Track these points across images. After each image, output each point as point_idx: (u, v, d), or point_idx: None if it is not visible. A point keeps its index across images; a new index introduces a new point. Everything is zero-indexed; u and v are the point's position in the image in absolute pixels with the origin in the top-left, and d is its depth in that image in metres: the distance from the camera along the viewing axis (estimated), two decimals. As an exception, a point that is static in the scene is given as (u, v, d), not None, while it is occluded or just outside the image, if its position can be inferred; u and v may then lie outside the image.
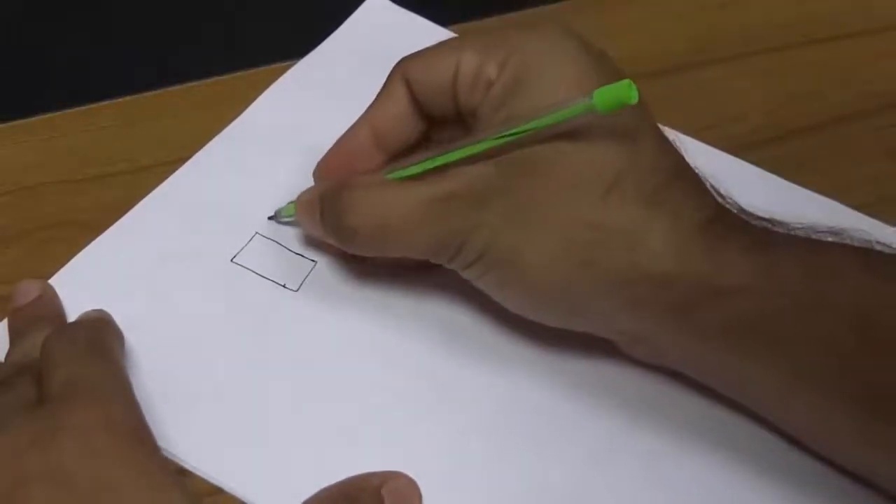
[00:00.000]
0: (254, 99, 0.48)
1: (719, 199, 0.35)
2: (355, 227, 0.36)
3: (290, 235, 0.42)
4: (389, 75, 0.38)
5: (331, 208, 0.37)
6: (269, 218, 0.43)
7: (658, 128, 0.36)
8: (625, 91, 0.31)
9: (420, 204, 0.35)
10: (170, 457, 0.36)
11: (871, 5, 0.54)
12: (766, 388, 0.35)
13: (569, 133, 0.33)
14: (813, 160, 0.46)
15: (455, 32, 0.51)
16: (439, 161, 0.35)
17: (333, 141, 0.40)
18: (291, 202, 0.41)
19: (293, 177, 0.44)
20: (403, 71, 0.37)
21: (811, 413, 0.34)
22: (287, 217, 0.42)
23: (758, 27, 0.53)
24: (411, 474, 0.34)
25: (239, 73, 0.49)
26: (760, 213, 0.36)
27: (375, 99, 0.38)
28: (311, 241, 0.42)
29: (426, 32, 0.51)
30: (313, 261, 0.42)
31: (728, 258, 0.33)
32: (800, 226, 0.35)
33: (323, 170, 0.40)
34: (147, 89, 0.48)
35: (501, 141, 0.34)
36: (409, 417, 0.37)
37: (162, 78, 0.49)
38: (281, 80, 0.49)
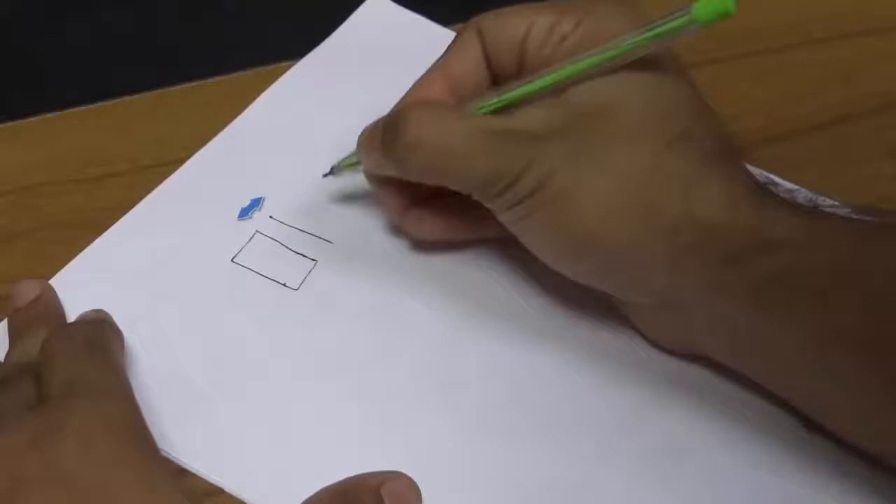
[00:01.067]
0: (254, 99, 0.48)
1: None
2: (417, 140, 0.36)
3: (291, 235, 0.42)
4: (463, 29, 0.38)
5: (395, 123, 0.37)
6: (325, 175, 0.42)
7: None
8: (721, 1, 0.32)
9: (482, 132, 0.35)
10: (170, 457, 0.36)
11: (871, 5, 0.54)
12: (797, 350, 0.34)
13: (640, 80, 0.34)
14: (813, 160, 0.46)
15: (455, 32, 0.51)
16: (511, 95, 0.36)
17: (333, 140, 0.40)
18: (347, 157, 0.41)
19: (293, 176, 0.44)
20: (478, 24, 0.38)
21: (842, 378, 0.33)
22: (346, 165, 0.41)
23: (758, 27, 0.53)
24: (412, 474, 0.34)
25: (239, 73, 0.49)
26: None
27: (447, 50, 0.39)
28: (312, 241, 0.42)
29: (426, 32, 0.51)
30: (314, 260, 0.42)
31: (776, 214, 0.33)
32: (843, 206, 0.36)
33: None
34: (147, 89, 0.48)
35: (579, 69, 0.34)
36: (409, 416, 0.37)
37: (162, 78, 0.49)
38: (281, 80, 0.49)
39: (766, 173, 0.36)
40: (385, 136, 0.37)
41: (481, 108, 0.37)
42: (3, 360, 0.37)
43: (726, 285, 0.34)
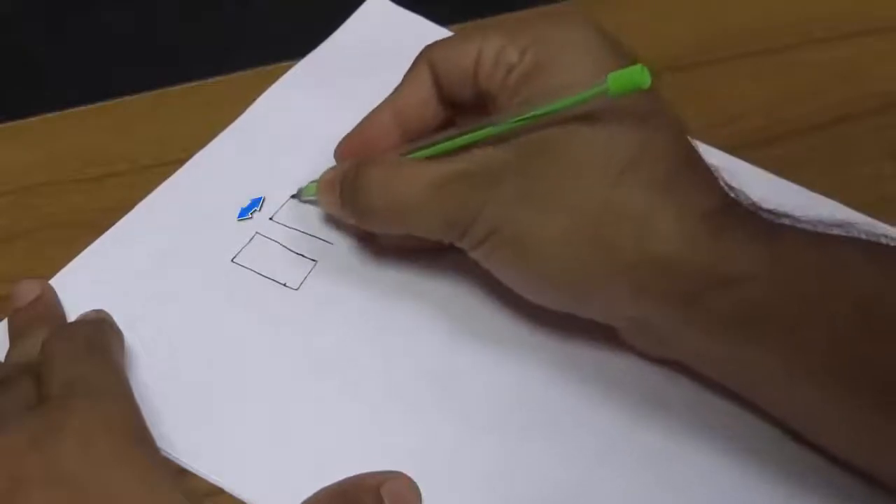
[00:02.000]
0: (254, 99, 0.48)
1: (729, 191, 0.35)
2: (371, 203, 0.37)
3: (291, 235, 0.42)
4: (415, 60, 0.39)
5: (349, 186, 0.38)
6: (292, 196, 0.43)
7: (673, 117, 0.36)
8: (637, 75, 0.32)
9: (433, 181, 0.36)
10: (170, 457, 0.36)
11: (871, 5, 0.54)
12: (768, 379, 0.34)
13: (584, 116, 0.34)
14: (813, 160, 0.46)
15: (455, 32, 0.51)
16: (457, 142, 0.36)
17: (333, 140, 0.40)
18: (314, 181, 0.42)
19: (293, 176, 0.44)
20: (428, 55, 0.38)
21: (813, 404, 0.34)
22: (309, 196, 0.42)
23: (758, 27, 0.53)
24: (411, 474, 0.34)
25: (239, 73, 0.49)
26: (768, 206, 0.36)
27: (400, 83, 0.39)
28: (312, 241, 0.42)
29: (426, 32, 0.51)
30: (313, 260, 0.42)
31: (735, 246, 0.33)
32: (807, 219, 0.35)
33: (344, 151, 0.40)
34: (147, 89, 0.48)
35: (518, 123, 0.34)
36: (409, 417, 0.37)
37: (162, 78, 0.49)
38: (281, 80, 0.49)
39: (726, 180, 0.36)
40: (342, 195, 0.38)
41: (427, 151, 0.37)
42: (3, 360, 0.37)
43: (690, 321, 0.34)
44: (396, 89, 0.39)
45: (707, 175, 0.35)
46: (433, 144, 0.37)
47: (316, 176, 0.41)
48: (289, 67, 0.49)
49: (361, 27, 0.51)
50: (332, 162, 0.42)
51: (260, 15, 0.55)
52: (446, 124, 0.39)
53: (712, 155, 0.45)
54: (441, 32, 0.51)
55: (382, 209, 0.37)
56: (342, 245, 0.42)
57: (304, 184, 0.43)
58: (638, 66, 0.32)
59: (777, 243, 0.33)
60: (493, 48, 0.36)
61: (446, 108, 0.39)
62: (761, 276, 0.33)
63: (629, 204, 0.34)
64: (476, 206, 0.35)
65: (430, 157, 0.37)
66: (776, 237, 0.34)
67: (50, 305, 0.39)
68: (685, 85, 0.50)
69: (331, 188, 0.40)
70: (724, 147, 0.46)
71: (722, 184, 0.35)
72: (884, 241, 0.34)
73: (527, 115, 0.34)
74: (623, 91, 0.32)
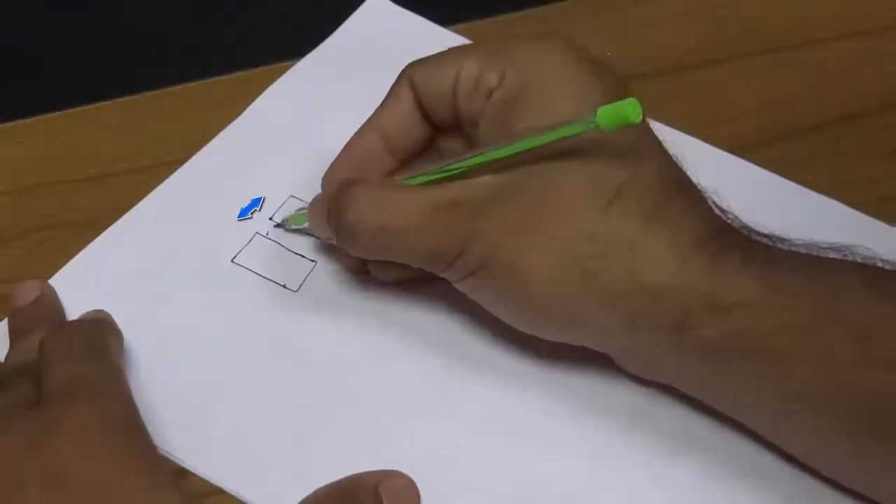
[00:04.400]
0: (254, 99, 0.48)
1: (721, 215, 0.35)
2: (355, 224, 0.36)
3: (291, 236, 0.42)
4: (396, 79, 0.38)
5: (334, 206, 0.37)
6: (276, 226, 0.43)
7: (661, 143, 0.35)
8: (629, 110, 0.31)
9: (421, 208, 0.35)
10: (170, 457, 0.36)
11: (871, 5, 0.54)
12: (762, 406, 0.34)
13: (572, 147, 0.33)
14: (813, 160, 0.46)
15: (455, 32, 0.51)
16: (444, 172, 0.35)
17: (333, 140, 0.40)
18: (300, 210, 0.42)
19: (293, 176, 0.44)
20: (409, 75, 0.37)
21: (806, 431, 0.34)
22: (295, 225, 0.42)
23: (758, 27, 0.53)
24: (411, 474, 0.34)
25: (239, 73, 0.49)
26: (762, 229, 0.35)
27: (382, 102, 0.38)
28: (312, 241, 0.42)
29: (426, 32, 0.51)
30: (313, 261, 0.42)
31: (728, 274, 0.33)
32: (801, 242, 0.35)
33: (332, 176, 0.39)
34: (147, 89, 0.48)
35: (504, 154, 0.34)
36: (408, 418, 0.37)
37: (162, 78, 0.49)
38: (281, 80, 0.49)
39: (719, 202, 0.35)
40: (329, 217, 0.37)
41: (418, 179, 0.36)
42: (3, 360, 0.37)
43: (682, 349, 0.34)
44: (378, 109, 0.38)
45: (698, 201, 0.35)
46: (421, 174, 0.36)
47: (315, 176, 0.41)
48: (289, 67, 0.49)
49: (361, 27, 0.51)
50: (331, 161, 0.42)
51: (260, 15, 0.55)
52: (432, 146, 0.39)
53: (712, 155, 0.46)
54: (441, 32, 0.51)
55: (367, 231, 0.36)
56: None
57: (291, 212, 0.42)
58: (630, 101, 0.31)
59: (770, 269, 0.33)
60: (472, 71, 0.35)
61: (430, 126, 0.38)
62: (753, 303, 0.32)
63: (619, 235, 0.33)
64: (465, 237, 0.34)
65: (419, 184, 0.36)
66: (770, 263, 0.33)
67: (50, 305, 0.39)
68: (685, 85, 0.50)
69: (321, 212, 0.38)
70: (724, 147, 0.46)
71: (714, 208, 0.35)
72: (878, 264, 0.34)
73: (512, 148, 0.33)
74: (614, 126, 0.31)
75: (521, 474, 0.36)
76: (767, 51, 0.52)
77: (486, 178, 0.34)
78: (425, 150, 0.39)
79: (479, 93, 0.35)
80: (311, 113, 0.47)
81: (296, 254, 0.42)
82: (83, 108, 0.48)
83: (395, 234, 0.35)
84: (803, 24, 0.53)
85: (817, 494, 0.35)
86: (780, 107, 0.49)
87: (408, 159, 0.39)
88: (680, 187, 0.35)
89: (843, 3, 0.54)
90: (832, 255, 0.34)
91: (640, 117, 0.31)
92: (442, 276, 0.36)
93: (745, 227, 0.35)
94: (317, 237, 0.41)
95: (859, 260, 0.34)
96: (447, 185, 0.35)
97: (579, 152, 0.33)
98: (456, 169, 0.35)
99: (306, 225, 0.41)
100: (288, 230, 0.42)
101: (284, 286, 0.41)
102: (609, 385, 0.38)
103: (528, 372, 0.38)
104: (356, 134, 0.39)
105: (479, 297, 0.36)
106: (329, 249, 0.42)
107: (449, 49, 0.37)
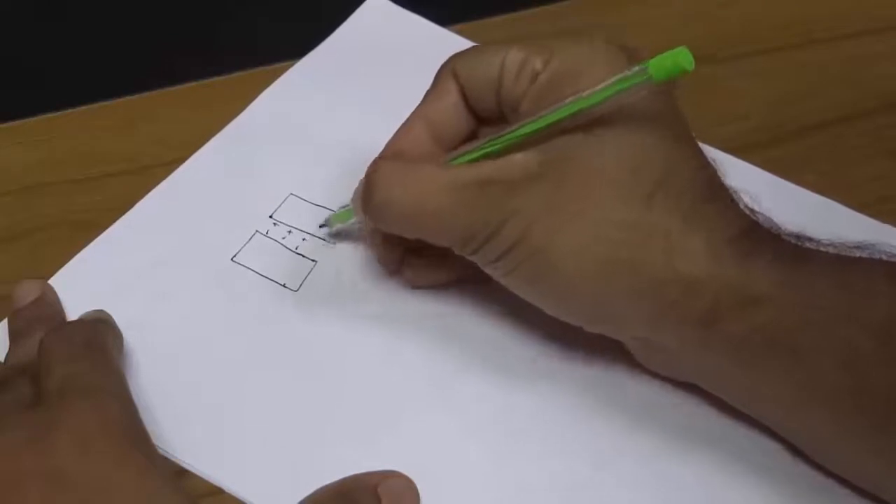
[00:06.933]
0: (253, 99, 0.48)
1: (750, 214, 0.35)
2: (387, 199, 0.35)
3: (291, 235, 0.42)
4: (438, 72, 0.38)
5: (368, 181, 0.36)
6: (321, 226, 0.42)
7: (696, 141, 0.35)
8: (681, 57, 0.30)
9: (456, 186, 0.35)
10: (170, 457, 0.36)
11: (871, 5, 0.54)
12: (779, 401, 0.34)
13: (608, 123, 0.33)
14: (813, 160, 0.46)
15: (455, 32, 0.51)
16: (486, 149, 0.35)
17: (333, 140, 0.40)
18: (343, 207, 0.41)
19: (293, 176, 0.44)
20: (452, 66, 0.38)
21: (824, 427, 0.34)
22: (339, 223, 0.42)
23: (758, 27, 0.53)
24: (411, 474, 0.35)
25: (239, 73, 0.49)
26: (792, 228, 0.35)
27: (426, 94, 0.38)
28: (312, 241, 0.42)
29: (426, 32, 0.51)
30: (313, 260, 0.42)
31: (757, 268, 0.33)
32: (829, 241, 0.35)
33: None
34: (147, 89, 0.48)
35: (552, 119, 0.33)
36: (409, 416, 0.37)
37: (162, 78, 0.49)
38: (281, 79, 0.49)
39: (748, 202, 0.35)
40: (363, 194, 0.37)
41: (460, 159, 0.36)
42: (3, 360, 0.37)
43: (705, 342, 0.34)
44: (423, 101, 0.38)
45: (730, 200, 0.35)
46: (466, 153, 0.36)
47: (315, 175, 0.41)
48: (288, 67, 0.49)
49: (361, 27, 0.51)
50: (331, 160, 0.42)
51: (260, 15, 0.55)
52: (476, 135, 0.38)
53: (712, 155, 0.46)
54: (441, 33, 0.51)
55: (398, 207, 0.35)
56: (342, 246, 0.42)
57: (283, 204, 0.42)
58: (682, 48, 0.30)
59: (799, 265, 0.33)
60: (517, 58, 0.36)
61: (474, 118, 0.38)
62: (780, 298, 0.32)
63: (660, 225, 0.33)
64: (500, 216, 0.34)
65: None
66: (798, 260, 0.33)
67: (50, 305, 0.39)
68: (685, 85, 0.49)
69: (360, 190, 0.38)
70: (724, 147, 0.46)
71: (744, 208, 0.35)
72: None
73: (560, 112, 0.33)
74: (666, 76, 0.30)
75: (521, 474, 0.36)
76: (767, 51, 0.52)
77: (522, 156, 0.34)
78: (470, 142, 0.39)
79: (524, 76, 0.35)
80: (311, 113, 0.47)
81: (296, 253, 0.42)
82: (83, 108, 0.48)
83: (425, 211, 0.35)
84: (803, 24, 0.53)
85: (823, 493, 0.35)
86: (780, 107, 0.49)
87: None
88: (713, 187, 0.35)
89: (843, 3, 0.54)
90: (858, 253, 0.34)
91: (693, 65, 0.30)
92: (472, 258, 0.36)
93: (775, 226, 0.35)
94: (362, 237, 0.41)
95: (884, 258, 0.34)
96: (483, 163, 0.35)
97: (617, 131, 0.34)
98: (499, 143, 0.35)
99: (351, 221, 0.41)
100: (332, 233, 0.42)
101: (284, 285, 0.41)
102: (612, 384, 0.38)
103: (529, 371, 0.38)
104: (402, 126, 0.38)
105: (512, 278, 0.36)
106: (329, 250, 0.42)
107: (488, 44, 0.37)
